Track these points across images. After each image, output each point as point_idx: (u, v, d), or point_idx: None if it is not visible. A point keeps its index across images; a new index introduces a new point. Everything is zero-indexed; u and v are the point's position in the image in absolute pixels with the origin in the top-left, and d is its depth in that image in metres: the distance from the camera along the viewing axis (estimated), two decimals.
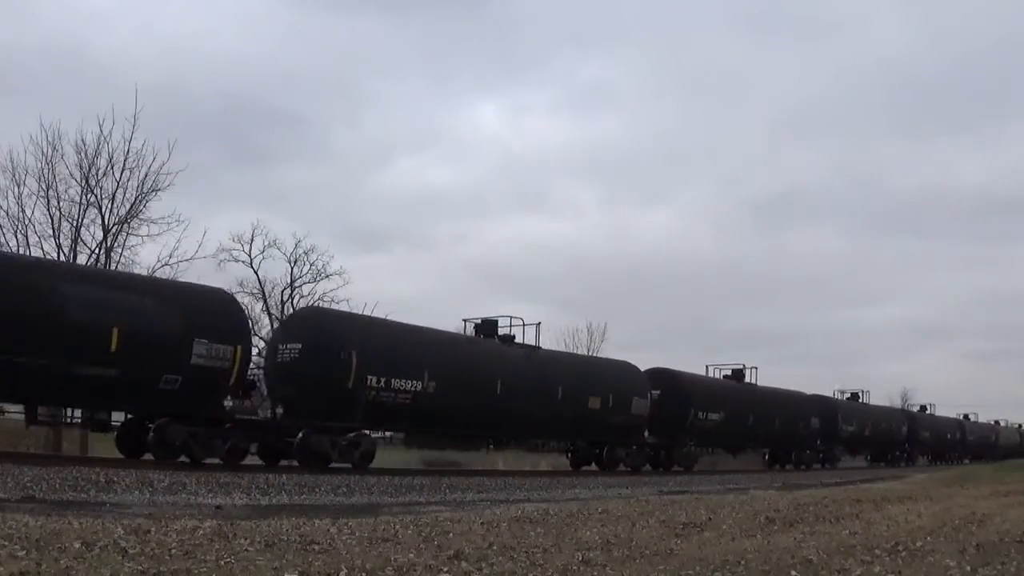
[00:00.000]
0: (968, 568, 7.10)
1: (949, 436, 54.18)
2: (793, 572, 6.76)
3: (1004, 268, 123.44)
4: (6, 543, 6.04)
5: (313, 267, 38.73)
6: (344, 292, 37.95)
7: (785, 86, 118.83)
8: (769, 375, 41.73)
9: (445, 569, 6.23)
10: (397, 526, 8.82)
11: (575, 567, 6.63)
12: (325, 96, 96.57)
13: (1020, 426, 72.05)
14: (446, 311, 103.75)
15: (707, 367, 33.82)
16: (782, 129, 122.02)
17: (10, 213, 26.80)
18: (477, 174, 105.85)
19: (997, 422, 66.05)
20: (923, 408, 55.59)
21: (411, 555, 6.74)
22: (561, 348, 38.66)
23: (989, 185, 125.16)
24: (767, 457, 38.05)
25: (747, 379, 34.00)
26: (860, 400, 44.81)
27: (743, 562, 7.07)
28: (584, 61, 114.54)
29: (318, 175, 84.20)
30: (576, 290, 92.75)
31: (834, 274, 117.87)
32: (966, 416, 60.79)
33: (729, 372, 33.82)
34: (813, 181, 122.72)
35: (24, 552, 5.81)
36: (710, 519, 10.68)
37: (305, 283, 38.73)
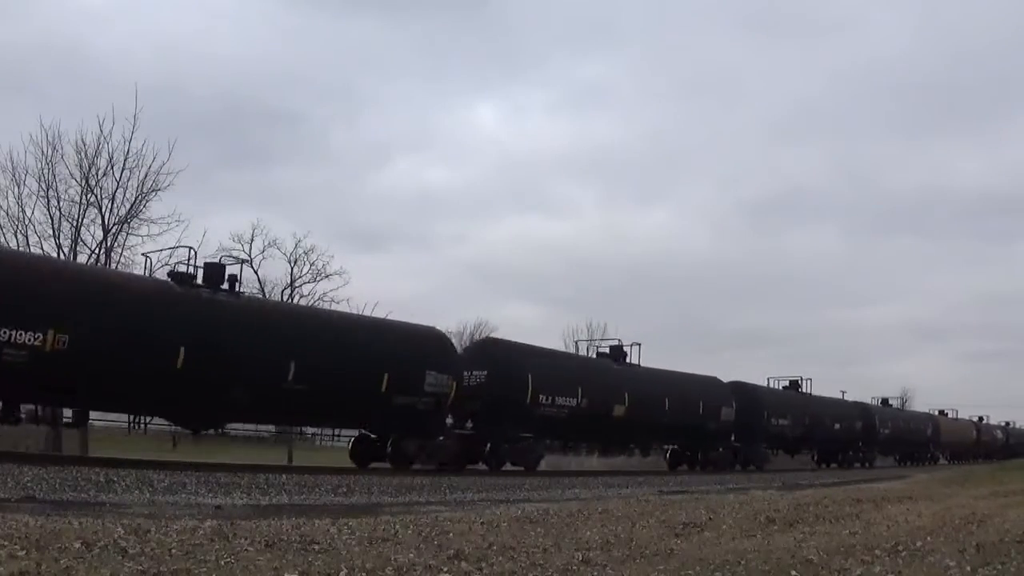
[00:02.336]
0: (968, 568, 7.10)
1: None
2: (793, 572, 6.76)
3: (1003, 268, 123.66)
4: (6, 543, 6.04)
5: (313, 267, 38.76)
6: (344, 292, 38.00)
7: (783, 86, 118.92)
8: (766, 375, 41.52)
9: (445, 569, 6.23)
10: (397, 526, 8.81)
11: (575, 567, 6.63)
12: (323, 96, 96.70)
13: (1008, 424, 72.46)
14: (446, 311, 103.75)
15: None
16: (780, 129, 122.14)
17: (10, 213, 26.83)
18: (475, 174, 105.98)
19: (981, 418, 66.72)
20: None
21: (411, 555, 6.74)
22: (561, 348, 38.77)
23: (988, 185, 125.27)
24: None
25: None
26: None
27: (743, 562, 7.07)
28: (581, 62, 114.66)
29: (316, 175, 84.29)
30: (575, 290, 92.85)
31: (833, 274, 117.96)
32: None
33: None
34: (811, 181, 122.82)
35: (24, 552, 5.80)
36: (710, 519, 10.68)
37: (305, 283, 38.77)
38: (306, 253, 38.56)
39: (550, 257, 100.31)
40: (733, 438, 31.71)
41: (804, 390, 37.45)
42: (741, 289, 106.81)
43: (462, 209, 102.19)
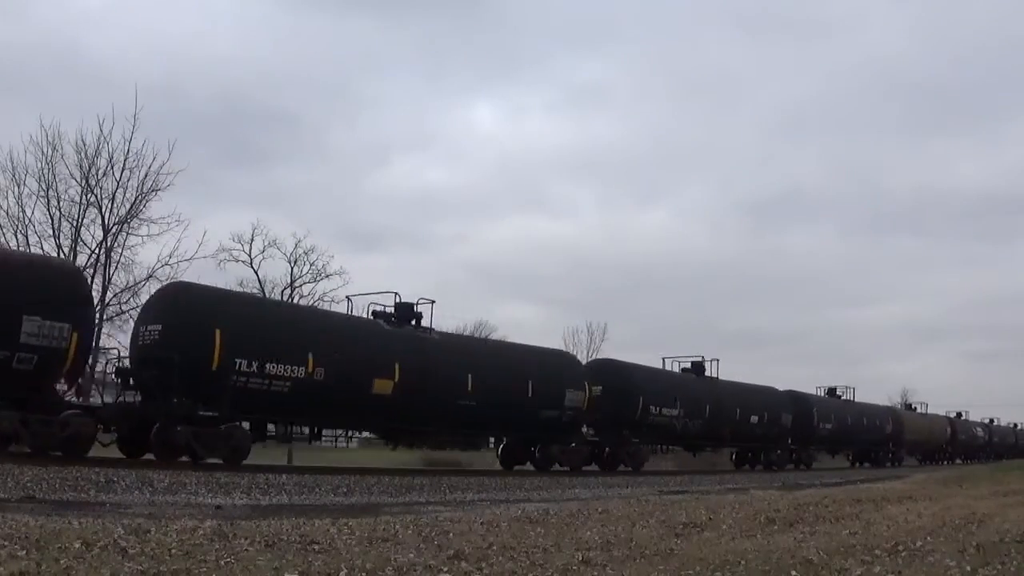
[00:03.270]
0: (968, 568, 7.09)
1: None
2: (793, 572, 6.75)
3: (1003, 268, 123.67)
4: (6, 543, 6.04)
5: (313, 267, 38.80)
6: (344, 292, 38.02)
7: (782, 86, 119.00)
8: (768, 375, 41.51)
9: (445, 569, 6.23)
10: (397, 526, 8.81)
11: (575, 567, 6.62)
12: (322, 96, 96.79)
13: (1016, 425, 72.21)
14: (445, 311, 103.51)
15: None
16: (779, 129, 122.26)
17: (10, 213, 26.86)
18: (474, 174, 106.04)
19: (991, 420, 66.34)
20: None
21: (411, 555, 6.74)
22: (561, 347, 38.63)
23: (987, 185, 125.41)
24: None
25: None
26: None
27: (743, 562, 7.06)
28: (580, 62, 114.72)
29: (315, 175, 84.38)
30: (575, 290, 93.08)
31: (832, 274, 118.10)
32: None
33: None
34: (810, 181, 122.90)
35: (24, 552, 5.81)
36: (710, 519, 10.68)
37: (305, 283, 38.80)
38: (306, 253, 38.69)
39: (550, 257, 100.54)
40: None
41: (710, 374, 32.18)
42: (740, 289, 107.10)
43: (461, 209, 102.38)
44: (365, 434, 34.84)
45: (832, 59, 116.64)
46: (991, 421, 60.78)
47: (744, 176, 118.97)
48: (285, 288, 38.41)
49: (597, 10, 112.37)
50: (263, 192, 74.18)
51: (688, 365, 32.42)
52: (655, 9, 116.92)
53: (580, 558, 7.02)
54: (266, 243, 38.26)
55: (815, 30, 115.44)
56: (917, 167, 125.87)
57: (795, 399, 36.00)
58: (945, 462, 50.88)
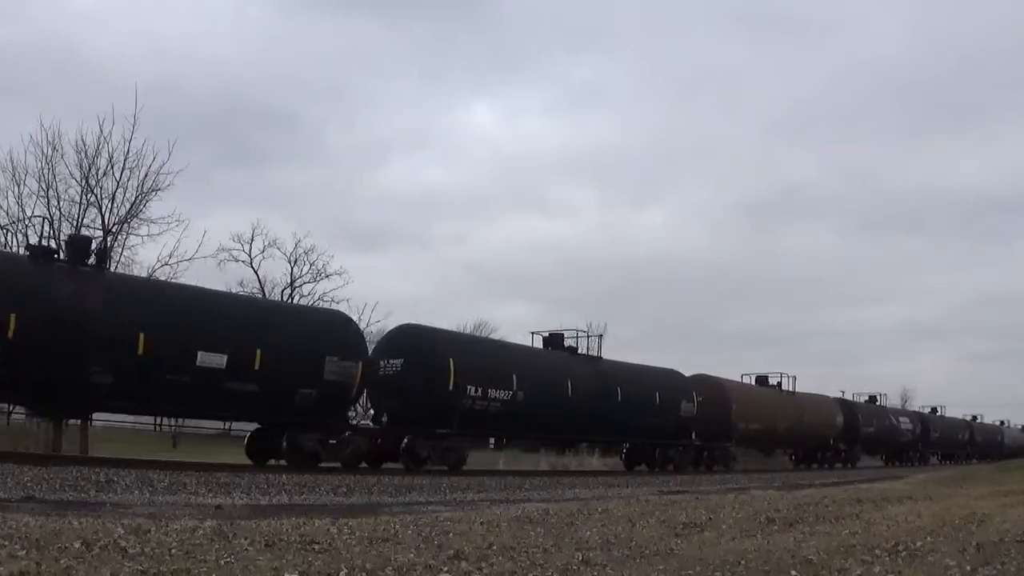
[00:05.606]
0: (968, 568, 7.09)
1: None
2: (793, 572, 6.75)
3: (1002, 268, 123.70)
4: (6, 543, 6.04)
5: (313, 267, 38.78)
6: (344, 292, 38.03)
7: (780, 86, 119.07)
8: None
9: (445, 569, 6.22)
10: (397, 526, 8.81)
11: (575, 567, 6.62)
12: (320, 97, 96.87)
13: None
14: (445, 311, 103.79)
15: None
16: (777, 129, 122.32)
17: (10, 213, 26.82)
18: (473, 175, 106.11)
19: (1002, 422, 67.28)
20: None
21: (411, 555, 6.73)
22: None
23: (986, 185, 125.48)
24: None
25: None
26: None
27: (743, 562, 7.06)
28: (577, 62, 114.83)
29: (314, 176, 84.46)
30: (574, 290, 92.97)
31: (831, 274, 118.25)
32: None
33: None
34: (809, 181, 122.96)
35: (24, 552, 5.80)
36: (710, 519, 10.67)
37: (305, 283, 38.79)
38: (306, 253, 38.66)
39: (548, 257, 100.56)
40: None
41: (588, 351, 28.41)
42: (739, 289, 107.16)
43: (460, 209, 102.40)
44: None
45: (831, 59, 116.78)
46: (973, 418, 61.77)
47: (743, 176, 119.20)
48: (285, 288, 38.43)
49: (595, 10, 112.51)
50: (263, 192, 74.32)
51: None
52: (654, 9, 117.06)
53: (580, 558, 7.02)
54: (266, 243, 38.26)
55: (814, 30, 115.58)
56: (916, 167, 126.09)
57: (704, 383, 31.36)
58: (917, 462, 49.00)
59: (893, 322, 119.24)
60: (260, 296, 32.53)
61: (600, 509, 11.82)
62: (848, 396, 44.50)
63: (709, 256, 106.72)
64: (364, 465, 19.94)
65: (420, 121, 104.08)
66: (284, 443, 18.21)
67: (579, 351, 26.63)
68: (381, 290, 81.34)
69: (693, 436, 30.28)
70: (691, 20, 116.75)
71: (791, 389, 37.42)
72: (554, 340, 26.55)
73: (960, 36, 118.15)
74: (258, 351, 17.32)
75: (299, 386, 18.17)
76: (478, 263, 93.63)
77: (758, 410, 33.86)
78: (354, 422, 21.70)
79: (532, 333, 26.85)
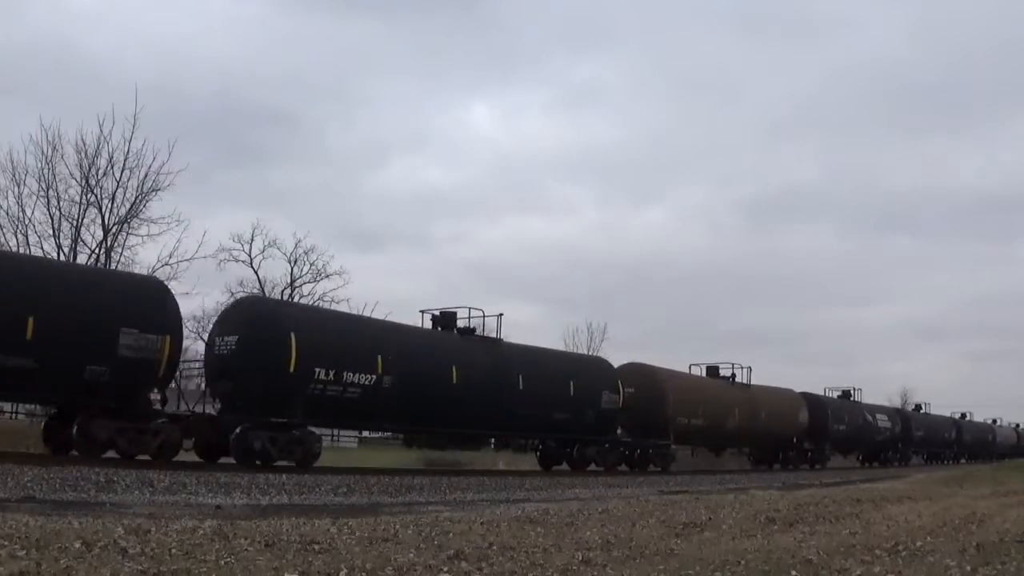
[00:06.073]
0: (968, 568, 7.09)
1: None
2: (793, 572, 6.75)
3: (1001, 268, 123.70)
4: (6, 543, 6.03)
5: (313, 267, 38.74)
6: (344, 292, 37.98)
7: (780, 86, 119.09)
8: (767, 375, 41.54)
9: (445, 569, 6.22)
10: (397, 526, 8.81)
11: (575, 567, 6.62)
12: (319, 97, 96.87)
13: (1018, 425, 72.06)
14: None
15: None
16: (777, 129, 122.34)
17: (10, 213, 26.83)
18: (472, 174, 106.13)
19: (995, 420, 66.25)
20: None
21: (411, 555, 6.73)
22: (561, 347, 38.67)
23: (986, 185, 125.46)
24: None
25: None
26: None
27: (743, 562, 7.06)
28: (578, 61, 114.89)
29: (313, 175, 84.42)
30: (574, 290, 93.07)
31: (831, 274, 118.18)
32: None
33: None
34: (809, 181, 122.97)
35: (24, 552, 5.80)
36: (710, 519, 10.67)
37: (305, 283, 38.76)
38: (306, 253, 38.62)
39: (548, 257, 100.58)
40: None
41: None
42: (739, 289, 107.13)
43: (460, 209, 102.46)
44: (365, 433, 35.46)
45: (831, 59, 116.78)
46: (962, 416, 58.11)
47: (743, 176, 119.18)
48: (285, 288, 38.42)
49: (594, 9, 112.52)
50: (262, 192, 74.29)
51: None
52: (653, 8, 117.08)
53: (580, 558, 7.01)
54: (266, 243, 38.23)
55: (813, 30, 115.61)
56: (916, 167, 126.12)
57: (635, 373, 28.21)
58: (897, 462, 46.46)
59: (893, 322, 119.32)
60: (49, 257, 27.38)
61: (600, 509, 11.82)
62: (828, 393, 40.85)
63: (709, 256, 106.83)
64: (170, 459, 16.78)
65: (420, 121, 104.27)
66: (75, 430, 15.78)
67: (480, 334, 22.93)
68: (381, 290, 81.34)
69: (619, 432, 27.03)
70: (691, 20, 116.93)
71: (745, 381, 33.51)
72: (445, 319, 22.72)
73: (960, 36, 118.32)
74: (30, 319, 14.58)
75: (87, 362, 15.34)
76: (478, 263, 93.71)
77: (702, 404, 30.10)
78: (161, 407, 17.60)
79: (421, 312, 23.21)
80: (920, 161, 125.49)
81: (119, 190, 27.86)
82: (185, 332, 19.04)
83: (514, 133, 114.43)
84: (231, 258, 36.81)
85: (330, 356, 18.34)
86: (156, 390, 17.05)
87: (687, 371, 32.10)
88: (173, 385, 18.62)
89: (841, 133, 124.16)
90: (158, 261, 28.22)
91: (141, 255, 28.93)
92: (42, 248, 26.83)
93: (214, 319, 21.61)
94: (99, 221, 27.77)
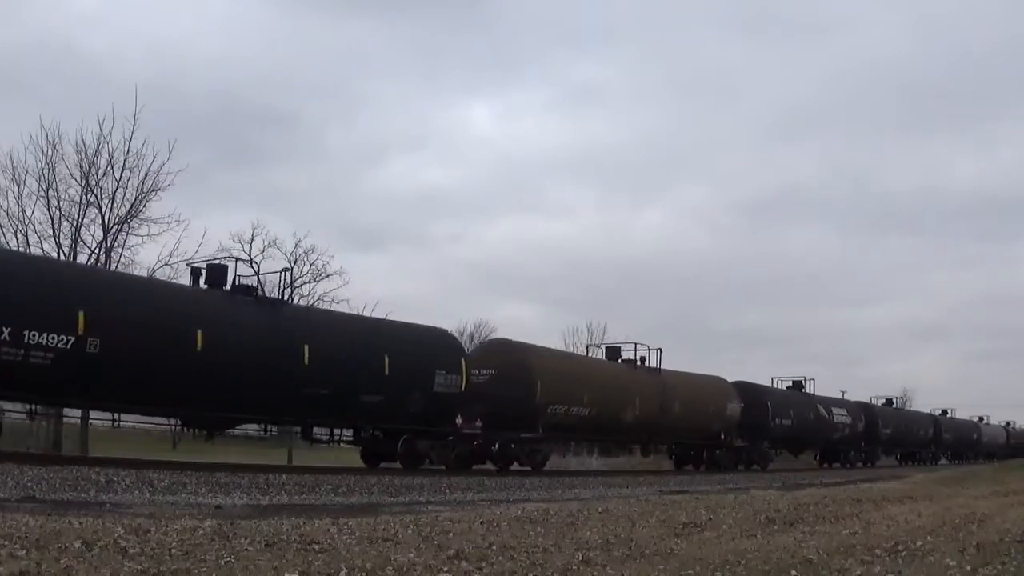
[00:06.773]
0: (968, 568, 7.09)
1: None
2: (793, 572, 6.75)
3: (1002, 268, 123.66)
4: (6, 543, 6.03)
5: (313, 267, 38.67)
6: (343, 292, 37.90)
7: (779, 86, 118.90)
8: (767, 375, 41.49)
9: (445, 569, 6.22)
10: (397, 526, 8.81)
11: (575, 567, 6.62)
12: (319, 96, 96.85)
13: (1008, 424, 71.91)
14: (445, 311, 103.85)
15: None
16: (776, 129, 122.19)
17: (10, 213, 26.80)
18: (472, 174, 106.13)
19: (981, 418, 65.29)
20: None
21: (411, 555, 6.73)
22: (560, 347, 38.79)
23: (985, 185, 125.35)
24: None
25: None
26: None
27: (743, 562, 7.06)
28: (577, 61, 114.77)
29: (314, 175, 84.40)
30: (574, 290, 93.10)
31: (831, 274, 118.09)
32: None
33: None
34: (808, 181, 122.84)
35: (24, 552, 5.80)
36: (710, 519, 10.67)
37: (305, 283, 38.69)
38: (306, 253, 38.49)
39: (548, 257, 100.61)
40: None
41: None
42: (739, 289, 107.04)
43: (460, 209, 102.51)
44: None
45: (830, 59, 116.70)
46: (943, 413, 55.59)
47: (742, 176, 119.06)
48: (285, 288, 38.37)
49: (594, 9, 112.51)
50: (263, 192, 74.25)
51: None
52: (652, 9, 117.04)
53: (580, 558, 7.01)
54: (266, 243, 38.11)
55: (813, 30, 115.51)
56: (915, 167, 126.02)
57: (495, 351, 25.06)
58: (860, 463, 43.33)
59: (893, 322, 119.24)
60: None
61: (600, 509, 11.82)
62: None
63: (708, 256, 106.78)
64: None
65: (419, 121, 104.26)
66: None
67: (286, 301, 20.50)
68: (381, 289, 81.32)
69: (459, 422, 23.01)
70: (691, 20, 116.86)
71: (655, 365, 28.48)
72: (214, 274, 19.44)
73: (960, 36, 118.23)
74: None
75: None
76: (478, 263, 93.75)
77: (586, 390, 24.86)
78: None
79: (187, 264, 20.74)
80: (920, 161, 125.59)
81: (119, 190, 27.81)
82: None
83: (514, 133, 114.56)
84: (231, 258, 36.74)
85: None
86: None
87: (584, 353, 29.91)
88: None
89: (841, 133, 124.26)
90: (158, 261, 28.17)
91: (141, 255, 28.92)
92: (42, 248, 26.84)
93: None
94: (99, 221, 27.73)
